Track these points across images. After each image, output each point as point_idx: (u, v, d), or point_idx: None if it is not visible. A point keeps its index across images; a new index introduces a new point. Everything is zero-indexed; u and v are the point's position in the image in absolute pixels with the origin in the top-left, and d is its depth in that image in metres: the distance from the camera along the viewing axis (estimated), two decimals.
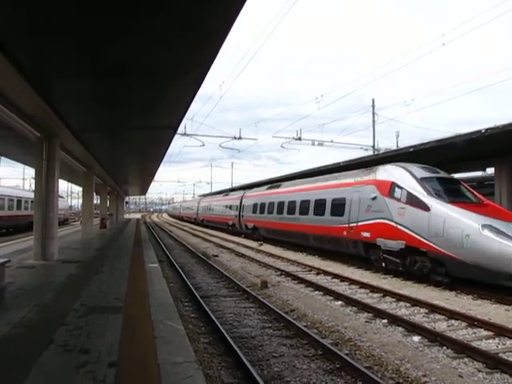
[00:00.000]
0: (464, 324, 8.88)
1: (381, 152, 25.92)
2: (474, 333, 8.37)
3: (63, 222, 46.99)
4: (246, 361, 6.29)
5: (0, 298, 7.73)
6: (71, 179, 43.17)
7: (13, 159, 25.29)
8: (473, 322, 8.81)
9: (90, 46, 7.05)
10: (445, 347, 7.38)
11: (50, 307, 7.35)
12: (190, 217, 63.85)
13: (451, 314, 9.41)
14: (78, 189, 71.75)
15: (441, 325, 8.94)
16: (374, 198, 15.37)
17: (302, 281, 13.77)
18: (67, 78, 8.80)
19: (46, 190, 13.27)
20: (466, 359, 6.82)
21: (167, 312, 7.01)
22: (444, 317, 9.42)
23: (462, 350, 7.10)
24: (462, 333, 8.36)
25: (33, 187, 16.90)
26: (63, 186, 77.07)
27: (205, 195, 63.28)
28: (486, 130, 12.83)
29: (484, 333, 8.33)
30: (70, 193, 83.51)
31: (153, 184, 54.90)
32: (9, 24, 6.13)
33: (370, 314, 9.63)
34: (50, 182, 13.37)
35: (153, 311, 7.00)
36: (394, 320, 9.00)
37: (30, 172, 59.85)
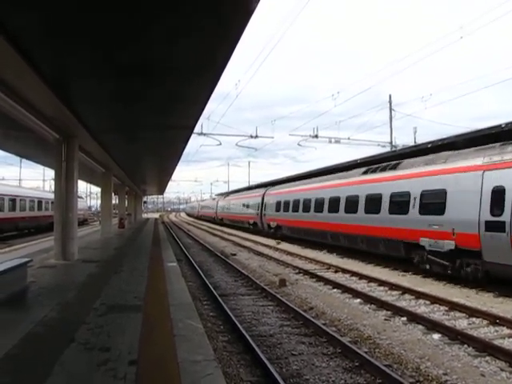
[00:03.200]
0: (485, 322, 8.75)
1: (398, 148, 25.65)
2: (496, 331, 8.25)
3: (82, 223, 47.60)
4: (264, 359, 6.30)
5: (23, 296, 7.89)
6: (90, 180, 43.70)
7: (33, 161, 25.74)
8: (495, 319, 8.67)
9: (107, 46, 7.11)
10: (466, 345, 7.28)
11: (71, 306, 7.47)
12: (240, 220, 41.45)
13: (472, 312, 9.28)
14: (96, 189, 72.64)
15: (461, 323, 8.83)
16: None
17: (320, 279, 13.73)
18: (85, 80, 8.90)
19: (66, 190, 13.45)
20: (487, 358, 6.73)
21: (186, 311, 7.06)
22: (465, 314, 9.30)
23: (484, 348, 7.00)
24: (483, 331, 8.25)
25: (53, 188, 17.15)
26: (82, 186, 78.18)
27: (279, 182, 34.33)
28: (507, 124, 12.58)
29: (506, 331, 8.19)
30: (88, 193, 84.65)
31: (170, 183, 54.94)
32: (25, 25, 6.22)
33: (389, 312, 9.56)
34: (69, 183, 13.56)
35: (172, 310, 7.05)
36: (414, 318, 8.93)
37: (50, 173, 60.89)
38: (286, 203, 27.51)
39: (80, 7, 5.73)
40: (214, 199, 68.08)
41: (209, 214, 65.77)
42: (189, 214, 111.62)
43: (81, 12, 5.86)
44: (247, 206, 38.68)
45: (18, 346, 5.18)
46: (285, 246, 24.93)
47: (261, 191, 35.41)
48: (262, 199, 33.59)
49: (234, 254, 20.95)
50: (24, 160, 40.84)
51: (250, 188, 45.95)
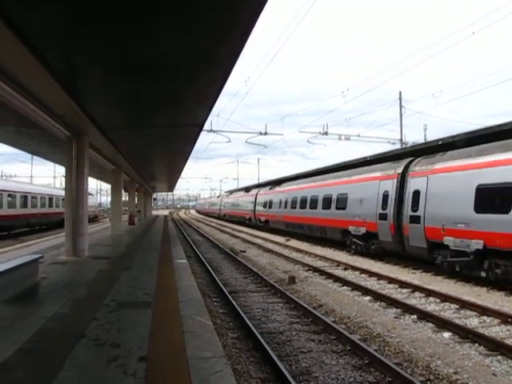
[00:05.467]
0: (497, 321, 8.66)
1: (408, 146, 25.47)
2: (508, 330, 8.15)
3: (93, 219, 47.94)
4: (274, 356, 6.30)
5: (34, 292, 7.98)
6: (100, 177, 43.94)
7: (44, 158, 25.95)
8: (506, 318, 8.58)
9: (117, 45, 7.15)
10: (477, 344, 7.22)
11: (82, 302, 7.52)
12: (320, 226, 23.13)
13: (483, 311, 9.20)
14: (106, 186, 73.05)
15: (472, 321, 8.75)
16: None
17: (329, 276, 13.70)
18: (95, 79, 8.97)
19: (76, 187, 13.54)
20: (499, 357, 6.66)
21: (195, 307, 7.08)
22: (475, 313, 9.22)
23: (496, 347, 6.94)
24: (494, 330, 8.17)
25: (63, 185, 17.26)
26: (92, 183, 78.89)
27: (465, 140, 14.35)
28: None
29: None
30: (99, 190, 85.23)
31: (180, 180, 54.63)
32: (37, 24, 6.28)
33: (399, 310, 9.51)
34: (79, 180, 13.64)
35: (181, 306, 7.08)
36: (424, 316, 8.87)
37: (61, 170, 61.47)
38: None
39: (91, 8, 5.77)
40: (247, 191, 47.68)
41: (239, 213, 47.64)
42: (206, 213, 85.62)
43: (91, 12, 5.91)
44: (342, 201, 20.43)
45: (30, 341, 5.23)
46: (294, 243, 24.88)
47: (389, 168, 17.29)
48: (400, 183, 16.10)
49: (244, 251, 20.96)
50: (35, 157, 41.20)
51: (335, 169, 24.45)
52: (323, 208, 22.56)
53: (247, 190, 48.68)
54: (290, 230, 28.66)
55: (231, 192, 64.19)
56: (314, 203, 23.99)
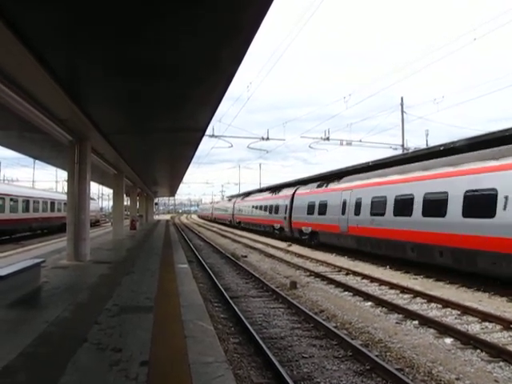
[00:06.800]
0: (499, 327, 8.64)
1: (410, 151, 25.47)
2: (510, 336, 8.13)
3: (94, 224, 47.92)
4: (275, 361, 6.29)
5: (36, 296, 7.99)
6: (102, 181, 43.99)
7: (46, 162, 26.02)
8: (508, 324, 8.56)
9: (118, 47, 7.19)
10: (479, 350, 7.19)
11: (84, 306, 7.53)
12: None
13: (485, 316, 9.17)
14: (108, 191, 73.09)
15: (474, 327, 8.73)
16: None
17: (331, 281, 13.68)
18: (95, 79, 8.98)
19: (78, 192, 13.57)
20: (501, 363, 6.63)
21: (197, 312, 7.08)
22: (477, 319, 9.20)
23: (498, 353, 6.91)
24: (496, 336, 8.14)
25: (65, 189, 17.30)
26: (94, 188, 78.91)
27: None
28: None
29: None
30: (100, 195, 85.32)
31: (181, 185, 54.48)
32: (38, 26, 6.33)
33: (401, 315, 9.49)
34: (81, 185, 13.67)
35: (183, 311, 7.07)
36: (425, 321, 8.85)
37: (63, 175, 61.53)
38: None
39: (91, 9, 5.82)
40: (274, 192, 36.11)
41: (262, 220, 36.54)
42: (214, 219, 73.64)
43: (91, 11, 5.95)
44: None
45: (32, 345, 5.23)
46: (295, 248, 24.87)
47: None
48: None
49: (245, 256, 20.94)
50: (37, 162, 41.30)
51: (461, 147, 14.48)
52: (467, 215, 12.70)
53: (274, 190, 36.41)
54: (366, 250, 18.76)
55: (247, 194, 52.48)
56: (433, 207, 14.38)
